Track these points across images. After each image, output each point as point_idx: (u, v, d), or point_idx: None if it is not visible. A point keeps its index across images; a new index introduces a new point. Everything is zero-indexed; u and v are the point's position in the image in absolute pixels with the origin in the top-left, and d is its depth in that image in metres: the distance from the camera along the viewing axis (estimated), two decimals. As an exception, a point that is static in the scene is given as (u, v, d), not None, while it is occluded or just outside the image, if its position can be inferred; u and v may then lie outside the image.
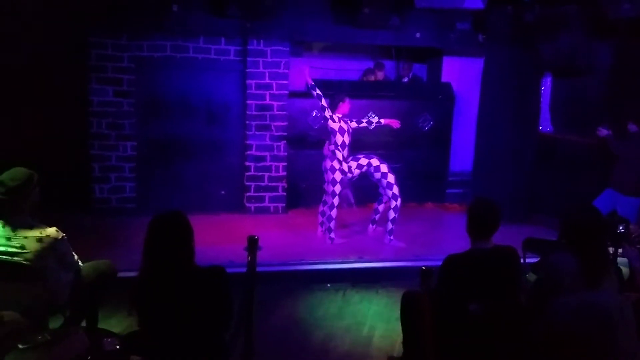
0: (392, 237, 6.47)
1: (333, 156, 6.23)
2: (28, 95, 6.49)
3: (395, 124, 6.56)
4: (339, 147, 6.20)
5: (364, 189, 7.27)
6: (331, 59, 8.90)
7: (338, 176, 6.23)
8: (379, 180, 6.41)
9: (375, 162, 6.36)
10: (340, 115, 6.23)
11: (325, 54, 8.97)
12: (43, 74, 6.63)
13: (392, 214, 6.40)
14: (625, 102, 6.90)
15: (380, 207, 6.70)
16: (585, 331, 2.53)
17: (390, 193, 6.35)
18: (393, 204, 6.35)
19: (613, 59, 7.33)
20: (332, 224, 6.37)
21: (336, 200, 6.29)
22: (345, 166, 6.25)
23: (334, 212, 6.32)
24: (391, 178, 6.34)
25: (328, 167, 6.28)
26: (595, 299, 2.62)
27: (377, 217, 6.76)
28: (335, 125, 6.18)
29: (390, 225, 6.43)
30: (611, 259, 3.46)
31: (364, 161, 6.35)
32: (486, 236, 3.35)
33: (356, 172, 6.35)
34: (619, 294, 2.97)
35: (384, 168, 6.35)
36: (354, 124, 6.33)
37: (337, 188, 6.26)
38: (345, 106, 6.27)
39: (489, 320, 3.17)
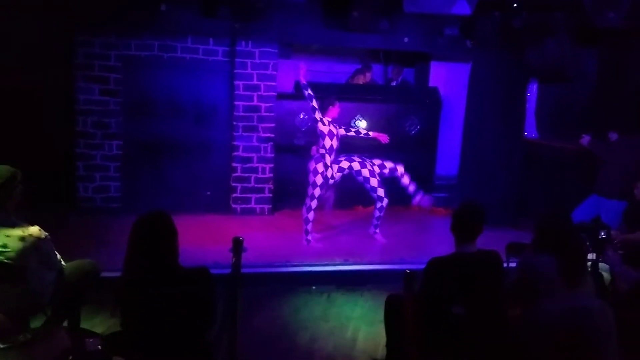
0: (377, 231, 6.59)
1: (320, 159, 6.22)
2: (13, 92, 6.42)
3: (383, 138, 6.46)
4: (327, 151, 6.20)
5: (349, 192, 7.28)
6: (320, 61, 8.91)
7: (319, 180, 6.21)
8: (363, 184, 6.44)
9: (356, 166, 6.34)
10: (330, 119, 6.23)
11: (314, 56, 8.98)
12: (29, 71, 6.57)
13: (377, 213, 6.50)
14: (610, 110, 6.99)
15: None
16: (570, 336, 2.55)
17: (375, 196, 6.38)
18: (379, 204, 6.42)
19: (598, 66, 7.43)
20: (309, 226, 6.36)
21: (314, 203, 6.26)
22: (329, 171, 6.23)
23: (311, 215, 6.30)
24: (374, 182, 6.35)
25: (311, 169, 6.26)
26: (577, 303, 2.64)
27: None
28: (324, 129, 6.17)
29: (375, 222, 6.57)
30: (586, 256, 3.48)
31: (345, 164, 6.34)
32: (470, 239, 3.38)
33: (337, 175, 6.33)
34: (601, 299, 3.00)
35: (365, 173, 6.34)
36: (342, 131, 6.30)
37: (317, 191, 6.24)
38: (335, 110, 6.24)
39: (471, 323, 3.20)
